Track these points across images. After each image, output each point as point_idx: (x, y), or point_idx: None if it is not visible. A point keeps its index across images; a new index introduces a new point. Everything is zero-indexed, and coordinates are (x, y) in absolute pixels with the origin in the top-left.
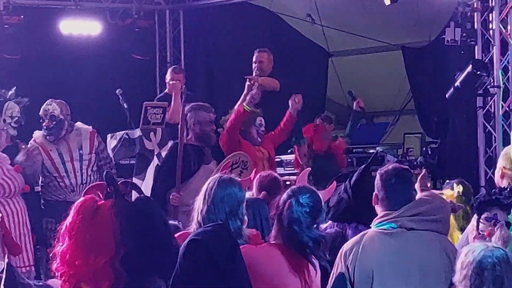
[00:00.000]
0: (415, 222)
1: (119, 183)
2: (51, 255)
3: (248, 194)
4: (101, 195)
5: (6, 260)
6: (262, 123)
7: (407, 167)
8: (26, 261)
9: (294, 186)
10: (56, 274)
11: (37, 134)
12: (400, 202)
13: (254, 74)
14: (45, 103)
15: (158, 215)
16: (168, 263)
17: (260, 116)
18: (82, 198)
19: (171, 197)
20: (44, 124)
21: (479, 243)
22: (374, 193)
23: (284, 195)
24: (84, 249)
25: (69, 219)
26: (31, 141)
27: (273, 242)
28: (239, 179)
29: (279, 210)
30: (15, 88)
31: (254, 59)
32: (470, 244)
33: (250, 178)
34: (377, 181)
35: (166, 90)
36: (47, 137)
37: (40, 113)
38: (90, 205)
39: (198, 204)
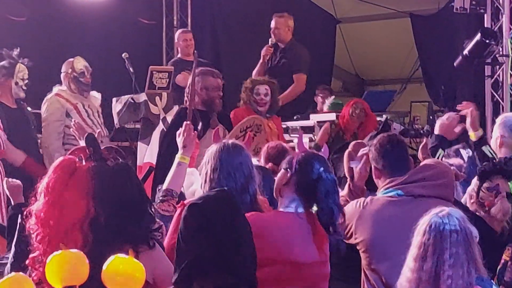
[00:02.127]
0: (421, 188)
1: (103, 147)
2: (25, 212)
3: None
4: (83, 158)
5: None
6: (268, 93)
7: (395, 134)
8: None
9: (307, 153)
10: (31, 233)
11: (59, 89)
12: (400, 167)
13: (270, 41)
14: (79, 60)
15: (135, 183)
16: (138, 230)
17: (264, 84)
18: (61, 158)
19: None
20: (84, 79)
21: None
22: (373, 167)
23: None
24: (58, 209)
25: (46, 177)
26: (52, 95)
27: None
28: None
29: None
30: (18, 49)
31: (272, 25)
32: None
33: (248, 143)
34: (373, 154)
35: (179, 55)
36: (83, 92)
37: (78, 69)
38: (68, 165)
39: (206, 171)
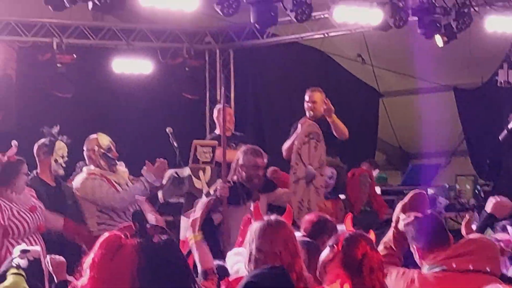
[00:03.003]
0: (466, 262)
1: (148, 226)
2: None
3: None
4: (128, 235)
5: None
6: (334, 176)
7: (434, 212)
8: None
9: (354, 232)
10: None
11: (92, 168)
12: (441, 242)
13: (307, 114)
14: (103, 136)
15: (180, 259)
16: None
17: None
18: (107, 234)
19: (219, 185)
20: (112, 154)
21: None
22: (413, 247)
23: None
24: (103, 284)
25: (92, 253)
26: (88, 173)
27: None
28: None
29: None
30: (58, 126)
31: (306, 98)
32: None
33: (290, 214)
34: (412, 232)
35: (217, 131)
36: (112, 167)
37: (105, 145)
38: (113, 240)
39: (251, 250)
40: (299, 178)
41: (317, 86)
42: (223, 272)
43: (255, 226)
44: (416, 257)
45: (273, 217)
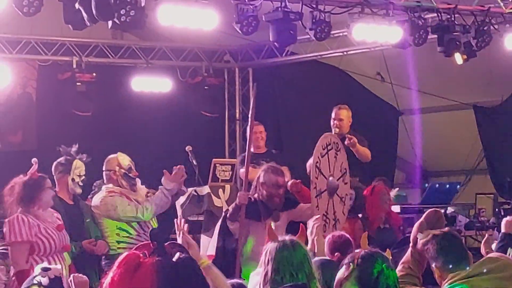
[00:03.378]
0: (487, 281)
1: (166, 243)
2: None
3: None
4: (147, 254)
5: None
6: (352, 197)
7: (453, 231)
8: None
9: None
10: None
11: (111, 186)
12: (461, 261)
13: (333, 131)
14: (123, 156)
15: (199, 277)
16: None
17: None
18: (125, 253)
19: (239, 194)
20: (133, 174)
21: None
22: (432, 266)
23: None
24: None
25: (111, 272)
26: (107, 192)
27: None
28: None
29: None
30: (77, 145)
31: (333, 116)
32: None
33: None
34: (431, 252)
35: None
36: (133, 187)
37: (126, 165)
38: (132, 259)
39: (266, 271)
40: (321, 191)
41: (337, 104)
42: None
43: (270, 246)
44: (436, 276)
45: (287, 237)
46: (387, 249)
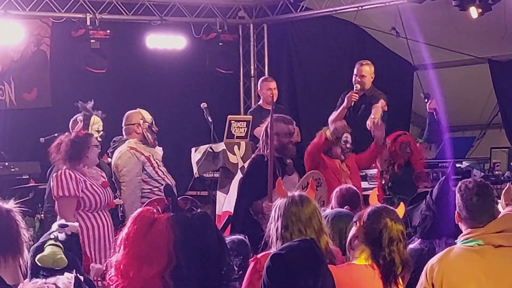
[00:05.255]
0: (502, 239)
1: (179, 198)
2: (106, 264)
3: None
4: (160, 210)
5: (74, 273)
6: (348, 140)
7: (486, 182)
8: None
9: (376, 207)
10: (111, 285)
11: (129, 141)
12: (484, 219)
13: (354, 87)
14: (143, 111)
15: (214, 231)
16: (218, 279)
17: (347, 132)
18: (140, 209)
19: (264, 205)
20: (155, 128)
21: None
22: (456, 211)
23: (373, 216)
24: (138, 260)
25: (126, 229)
26: (127, 149)
27: (355, 262)
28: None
29: (372, 230)
30: (93, 101)
31: (355, 72)
32: None
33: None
34: (458, 200)
35: (260, 102)
36: (156, 141)
37: (149, 119)
38: (147, 216)
39: (277, 228)
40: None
41: (352, 60)
42: (243, 248)
43: (279, 202)
44: (456, 219)
45: (297, 193)
46: (401, 203)
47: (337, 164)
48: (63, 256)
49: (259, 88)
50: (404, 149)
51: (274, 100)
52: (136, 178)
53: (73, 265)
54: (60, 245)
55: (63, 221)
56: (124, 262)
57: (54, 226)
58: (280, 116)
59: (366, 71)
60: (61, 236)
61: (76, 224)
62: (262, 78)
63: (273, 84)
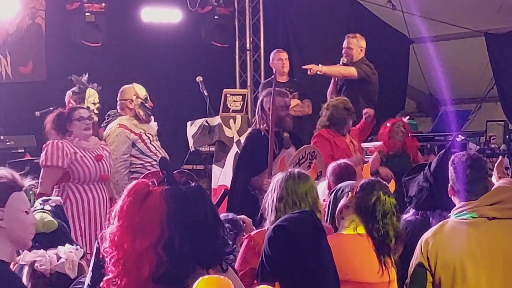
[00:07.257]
0: (496, 211)
1: (175, 171)
2: (100, 236)
3: (324, 183)
4: (156, 182)
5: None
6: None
7: (479, 155)
8: None
9: (369, 179)
10: (105, 256)
11: (121, 118)
12: (477, 192)
13: (341, 61)
14: (139, 86)
15: (208, 205)
16: (210, 253)
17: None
18: (134, 182)
19: (264, 182)
20: (148, 104)
21: None
22: (449, 185)
23: (366, 188)
24: (132, 232)
25: (120, 201)
26: (116, 127)
27: (343, 232)
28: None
29: (365, 202)
30: (87, 74)
31: (344, 44)
32: None
33: (314, 171)
34: (451, 173)
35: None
36: (149, 117)
37: (143, 95)
38: (141, 188)
39: (272, 199)
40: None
41: (347, 33)
42: (235, 226)
43: (279, 176)
44: (449, 193)
45: (296, 169)
46: (392, 180)
47: (346, 141)
48: (52, 219)
49: (271, 60)
50: (397, 129)
51: (286, 71)
52: (122, 156)
53: (62, 230)
54: (48, 212)
55: (44, 197)
56: (118, 234)
57: (37, 204)
58: (276, 89)
59: (354, 43)
60: (47, 207)
61: (58, 197)
62: (275, 50)
63: (284, 55)
